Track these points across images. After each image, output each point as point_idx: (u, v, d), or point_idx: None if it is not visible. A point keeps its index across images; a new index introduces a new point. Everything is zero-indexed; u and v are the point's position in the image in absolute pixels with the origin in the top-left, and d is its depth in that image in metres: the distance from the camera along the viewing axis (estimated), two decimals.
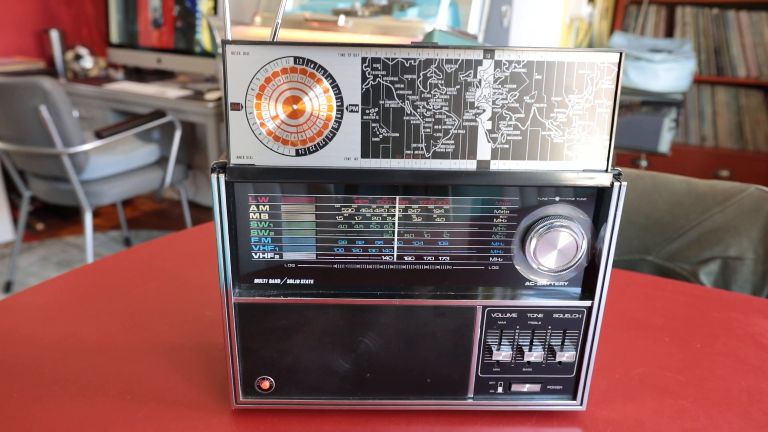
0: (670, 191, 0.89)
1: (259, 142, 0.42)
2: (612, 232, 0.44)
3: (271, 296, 0.46)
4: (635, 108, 2.49)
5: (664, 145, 2.29)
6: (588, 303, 0.46)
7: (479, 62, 0.41)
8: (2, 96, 1.81)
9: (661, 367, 0.57)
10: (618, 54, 0.41)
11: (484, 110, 0.42)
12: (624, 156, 2.80)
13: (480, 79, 0.41)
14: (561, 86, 0.41)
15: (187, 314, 0.64)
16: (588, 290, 0.46)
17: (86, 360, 0.56)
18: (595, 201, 0.44)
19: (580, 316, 0.47)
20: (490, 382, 0.49)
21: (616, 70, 0.41)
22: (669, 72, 2.25)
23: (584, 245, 0.44)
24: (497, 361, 0.48)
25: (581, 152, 0.43)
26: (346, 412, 0.49)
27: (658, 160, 2.83)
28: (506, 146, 0.42)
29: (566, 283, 0.47)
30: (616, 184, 0.43)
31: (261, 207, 0.44)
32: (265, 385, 0.48)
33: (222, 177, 0.42)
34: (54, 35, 2.68)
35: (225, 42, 0.40)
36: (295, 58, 0.40)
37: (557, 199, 0.44)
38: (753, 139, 2.93)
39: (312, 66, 0.40)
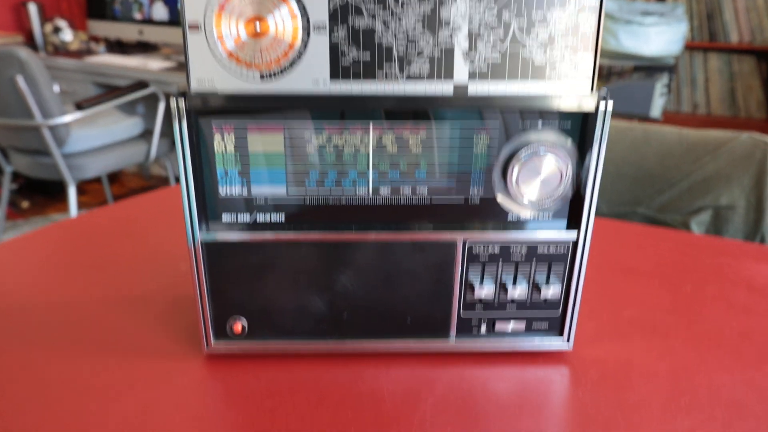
0: (660, 142, 0.87)
1: (221, 66, 0.39)
2: (598, 157, 0.42)
3: (242, 233, 0.43)
4: (627, 74, 2.46)
5: (656, 110, 2.27)
6: (573, 235, 0.44)
7: None
8: None
9: (651, 309, 0.56)
10: None
11: (460, 28, 0.39)
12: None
13: None
14: (542, 1, 0.39)
15: (161, 268, 0.62)
16: (573, 222, 0.44)
17: (55, 313, 0.54)
18: (580, 126, 0.42)
19: (566, 249, 0.45)
20: (473, 322, 0.47)
21: None
22: (661, 35, 2.22)
23: (569, 173, 0.42)
24: (479, 299, 0.46)
25: (564, 72, 0.40)
26: (324, 355, 0.47)
27: None
28: (484, 67, 0.40)
29: (550, 216, 0.44)
30: (602, 104, 0.40)
31: (226, 137, 0.41)
32: (238, 328, 0.46)
33: (182, 103, 0.39)
34: (32, 8, 2.62)
35: None
36: None
37: (540, 124, 0.42)
38: (745, 106, 2.91)
39: None
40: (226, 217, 0.44)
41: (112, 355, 0.47)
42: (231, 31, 0.38)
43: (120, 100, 2.05)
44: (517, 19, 0.39)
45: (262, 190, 0.43)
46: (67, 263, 0.64)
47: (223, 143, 0.42)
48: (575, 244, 0.44)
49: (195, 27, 0.38)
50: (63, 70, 2.50)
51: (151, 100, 2.24)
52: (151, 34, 2.59)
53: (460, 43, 0.39)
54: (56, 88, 1.91)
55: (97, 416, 0.41)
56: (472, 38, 0.39)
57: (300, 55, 0.39)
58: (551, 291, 0.45)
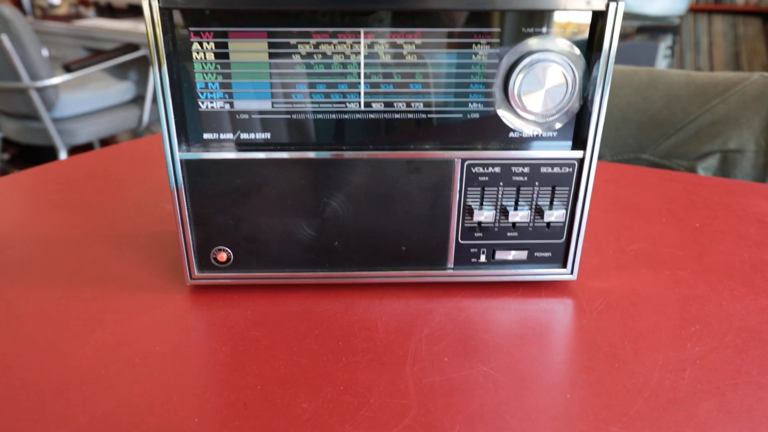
0: (667, 85, 0.84)
1: None
2: (607, 66, 0.38)
3: (224, 152, 0.40)
4: (630, 35, 2.41)
5: None
6: (579, 154, 0.41)
7: None
8: None
9: (658, 244, 0.53)
10: None
11: None
12: None
13: None
14: None
15: (145, 207, 0.59)
16: (579, 141, 0.41)
17: (34, 248, 0.51)
18: (588, 33, 0.39)
19: (571, 169, 0.42)
20: (472, 250, 0.44)
21: None
22: None
23: (575, 84, 0.39)
24: (479, 223, 0.43)
25: None
26: (314, 286, 0.45)
27: None
28: None
29: (555, 134, 0.41)
30: (612, 5, 0.37)
31: (205, 45, 0.38)
32: (222, 256, 0.43)
33: (155, 3, 0.36)
34: None
35: None
36: None
37: (545, 30, 0.38)
38: (750, 70, 2.85)
39: None
40: (207, 135, 0.41)
41: (90, 287, 0.45)
42: None
43: (110, 62, 2.00)
44: None
45: (246, 104, 0.40)
46: (50, 203, 0.61)
47: (202, 51, 0.38)
48: (581, 163, 0.41)
49: None
50: (52, 34, 2.44)
51: (143, 65, 2.19)
52: None
53: None
54: (45, 52, 1.86)
55: (73, 346, 0.38)
56: None
57: None
58: (555, 215, 0.42)
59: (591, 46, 0.39)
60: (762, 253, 0.51)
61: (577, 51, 0.39)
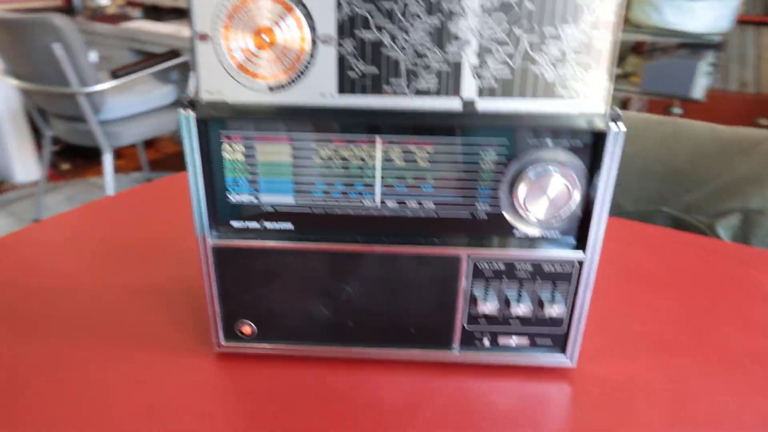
0: (691, 138, 0.84)
1: (230, 76, 0.39)
2: (607, 180, 0.41)
3: (250, 239, 0.44)
4: (671, 51, 2.36)
5: (698, 90, 2.18)
6: (580, 255, 0.43)
7: None
8: (16, 33, 1.80)
9: (661, 323, 0.55)
10: None
11: (469, 43, 0.38)
12: (656, 103, 2.68)
13: (464, 7, 0.37)
14: (554, 16, 0.37)
15: (183, 257, 0.64)
16: (581, 241, 0.44)
17: (73, 300, 0.56)
18: (591, 146, 0.41)
19: (572, 269, 0.44)
20: (476, 335, 0.47)
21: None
22: (708, 11, 2.11)
23: (578, 193, 0.41)
24: (483, 314, 0.46)
25: (576, 91, 0.39)
26: (329, 360, 0.48)
27: (693, 107, 2.70)
28: (494, 84, 0.39)
29: (558, 234, 0.44)
30: (614, 128, 0.39)
31: (235, 146, 0.42)
32: (246, 329, 0.47)
33: (191, 114, 0.40)
34: None
35: None
36: None
37: (550, 143, 0.41)
38: None
39: None
40: (235, 223, 0.44)
41: (126, 345, 0.49)
42: (239, 41, 0.38)
43: (153, 69, 2.07)
44: (529, 34, 0.38)
45: (271, 198, 0.43)
46: (92, 247, 0.66)
47: (232, 152, 0.42)
48: (582, 264, 0.44)
49: (204, 38, 0.38)
50: (99, 35, 2.53)
51: (185, 68, 2.26)
52: None
53: (469, 59, 0.38)
54: (93, 55, 1.94)
55: (107, 409, 0.43)
56: (482, 54, 0.38)
57: (307, 67, 0.39)
58: (555, 310, 0.45)
59: (594, 159, 0.41)
60: (763, 341, 0.53)
61: (581, 163, 0.41)
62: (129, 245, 0.66)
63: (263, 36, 0.38)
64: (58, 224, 0.73)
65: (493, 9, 0.37)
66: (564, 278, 0.44)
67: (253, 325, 0.47)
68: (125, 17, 2.61)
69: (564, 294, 0.45)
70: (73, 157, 2.96)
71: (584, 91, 0.39)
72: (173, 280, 0.59)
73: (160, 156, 3.09)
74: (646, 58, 2.52)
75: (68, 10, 2.70)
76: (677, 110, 2.49)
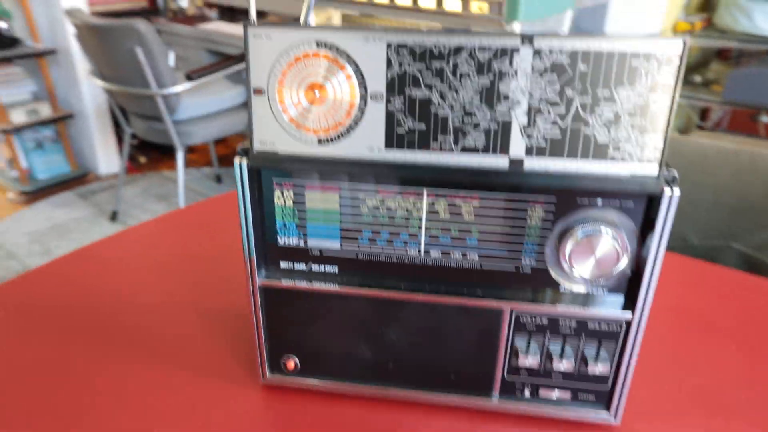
0: None
1: (282, 129, 0.41)
2: (659, 243, 0.39)
3: (296, 280, 0.46)
4: (759, 57, 2.22)
5: None
6: (628, 315, 0.42)
7: (516, 50, 0.36)
8: (102, 38, 1.91)
9: (721, 380, 0.52)
10: (681, 43, 0.35)
11: (519, 103, 0.38)
12: (741, 113, 2.53)
13: (516, 69, 0.37)
14: (609, 79, 0.36)
15: (240, 280, 0.66)
16: (630, 301, 0.42)
17: (139, 315, 0.59)
18: (644, 207, 0.39)
19: (619, 328, 0.43)
20: (517, 385, 0.47)
21: (678, 62, 0.35)
22: None
23: (627, 255, 0.40)
24: (524, 366, 0.45)
25: (629, 154, 0.38)
26: (369, 399, 0.49)
27: None
28: (543, 143, 0.38)
29: (605, 291, 0.43)
30: (667, 192, 0.38)
31: (285, 193, 0.43)
32: (290, 365, 0.49)
33: (245, 162, 0.41)
34: None
35: (246, 25, 0.39)
36: (318, 42, 0.38)
37: (599, 202, 0.40)
38: None
39: (334, 51, 0.38)
40: (283, 264, 0.46)
41: (181, 369, 0.52)
42: (292, 97, 0.40)
43: (227, 70, 2.15)
44: (581, 96, 0.37)
45: (317, 242, 0.45)
46: (162, 260, 0.69)
47: (282, 198, 0.43)
48: (629, 324, 0.42)
49: (259, 92, 0.40)
50: (178, 35, 2.64)
51: None
52: (261, 1, 2.66)
53: (518, 118, 0.38)
54: (171, 56, 2.03)
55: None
56: (532, 114, 0.38)
57: (357, 122, 0.40)
58: (600, 368, 0.44)
59: (646, 221, 0.40)
60: None
61: (631, 224, 0.40)
62: (195, 261, 0.69)
63: (315, 92, 0.39)
64: (135, 236, 0.77)
65: (544, 70, 0.37)
66: (610, 337, 0.43)
67: (297, 360, 0.49)
68: (202, 18, 2.72)
69: (609, 352, 0.44)
70: (150, 151, 3.11)
71: (637, 153, 0.38)
72: (231, 304, 0.61)
73: (230, 152, 3.21)
74: (732, 65, 2.38)
75: (153, 11, 2.84)
76: (765, 119, 2.34)
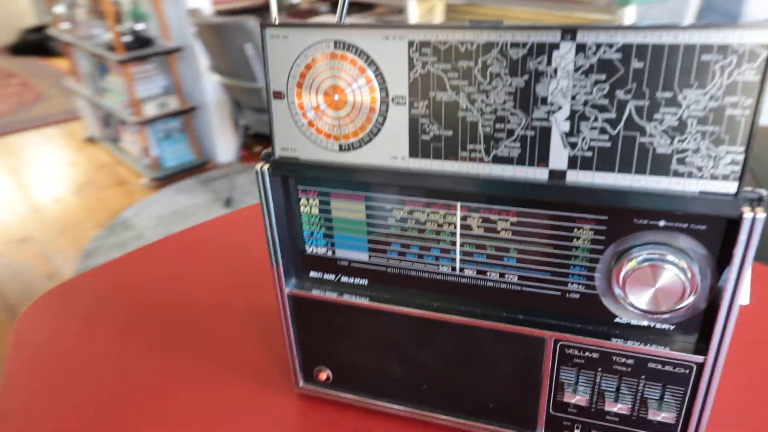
0: None
1: (302, 135, 0.38)
2: (738, 276, 0.32)
3: (327, 292, 0.43)
4: None
5: None
6: (700, 358, 0.35)
7: (555, 46, 0.31)
8: (218, 35, 2.01)
9: None
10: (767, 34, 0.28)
11: (560, 107, 0.32)
12: None
13: (556, 68, 0.31)
14: (672, 78, 0.30)
15: None
16: (703, 341, 0.35)
17: (192, 317, 0.60)
18: (720, 233, 0.32)
19: (687, 371, 0.36)
20: (565, 423, 0.41)
21: (766, 54, 0.28)
22: None
23: (696, 286, 0.33)
24: (572, 402, 0.40)
25: (699, 167, 0.31)
26: (402, 418, 0.46)
27: None
28: (589, 154, 0.33)
29: (671, 328, 0.36)
30: (748, 214, 0.30)
31: (311, 201, 0.41)
32: (322, 376, 0.47)
33: (266, 169, 0.40)
34: None
35: (263, 25, 0.37)
36: (336, 43, 0.35)
37: (662, 224, 0.33)
38: None
39: (353, 51, 0.35)
40: (313, 273, 0.44)
41: (224, 370, 0.52)
42: (311, 101, 0.37)
43: None
44: (636, 99, 0.31)
45: (345, 253, 0.42)
46: (220, 259, 0.71)
47: (308, 206, 0.41)
48: (702, 368, 0.35)
49: (279, 95, 0.38)
50: None
51: None
52: None
53: (559, 125, 0.32)
54: None
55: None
56: (575, 120, 0.32)
57: (379, 128, 0.36)
58: (664, 415, 0.37)
59: (722, 248, 0.33)
60: None
61: (703, 250, 0.33)
62: (249, 261, 0.69)
63: (335, 95, 0.36)
64: (196, 233, 0.79)
65: (589, 69, 0.31)
66: (676, 381, 0.37)
67: (329, 372, 0.47)
68: (314, 12, 2.78)
69: (677, 399, 0.37)
70: (264, 141, 3.26)
71: (709, 168, 0.31)
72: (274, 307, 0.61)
73: None
74: None
75: (269, 7, 2.97)
76: None
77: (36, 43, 5.00)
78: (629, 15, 1.50)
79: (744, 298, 0.36)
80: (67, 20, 3.11)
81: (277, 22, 0.37)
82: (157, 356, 0.55)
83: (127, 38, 2.62)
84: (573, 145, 0.33)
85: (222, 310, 0.61)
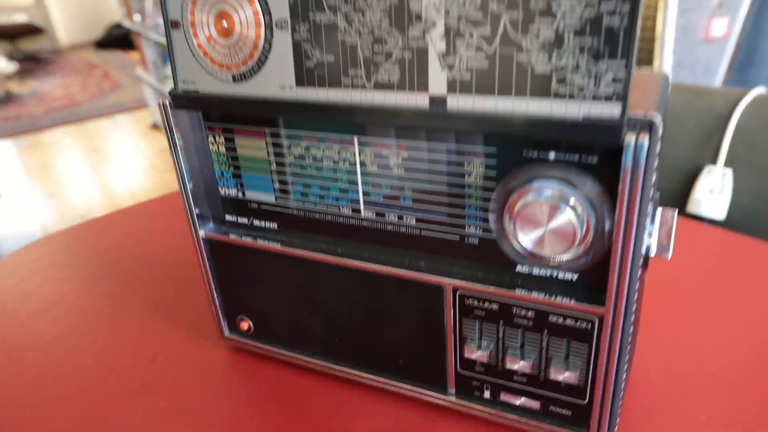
0: None
1: (200, 66, 0.37)
2: (628, 212, 0.28)
3: (242, 236, 0.42)
4: None
5: None
6: (599, 310, 0.32)
7: None
8: None
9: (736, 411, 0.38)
10: None
11: (434, 23, 0.29)
12: None
13: None
14: None
15: None
16: (600, 290, 0.32)
17: (150, 270, 0.61)
18: (608, 161, 0.29)
19: (589, 326, 0.33)
20: (474, 383, 0.38)
21: None
22: None
23: (592, 224, 0.30)
24: (476, 359, 0.37)
25: (580, 87, 0.27)
26: (321, 374, 0.44)
27: None
28: (467, 76, 0.30)
29: (574, 277, 0.33)
30: (630, 141, 0.27)
31: (217, 138, 0.40)
32: (244, 326, 0.46)
33: (168, 102, 0.39)
34: None
35: None
36: None
37: (552, 156, 0.30)
38: None
39: None
40: (228, 217, 0.43)
41: (159, 322, 0.52)
42: (204, 29, 0.36)
43: None
44: (509, 11, 0.28)
45: (254, 194, 0.41)
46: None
47: (215, 144, 0.40)
48: (601, 321, 0.32)
49: (176, 25, 0.37)
50: None
51: None
52: None
53: (435, 44, 0.30)
54: None
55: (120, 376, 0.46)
56: (450, 37, 0.29)
57: (266, 56, 0.35)
58: (566, 375, 0.34)
59: (612, 180, 0.29)
60: None
61: (598, 187, 0.30)
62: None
63: (223, 22, 0.35)
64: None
65: None
66: (579, 336, 0.33)
67: (250, 321, 0.46)
68: None
69: (581, 357, 0.34)
70: None
71: (591, 87, 0.27)
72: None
73: None
74: None
75: None
76: None
77: (120, 38, 5.24)
78: None
79: (661, 249, 0.32)
80: (138, 12, 3.23)
81: None
82: (101, 302, 0.55)
83: None
84: (450, 67, 0.30)
85: (178, 262, 0.61)
